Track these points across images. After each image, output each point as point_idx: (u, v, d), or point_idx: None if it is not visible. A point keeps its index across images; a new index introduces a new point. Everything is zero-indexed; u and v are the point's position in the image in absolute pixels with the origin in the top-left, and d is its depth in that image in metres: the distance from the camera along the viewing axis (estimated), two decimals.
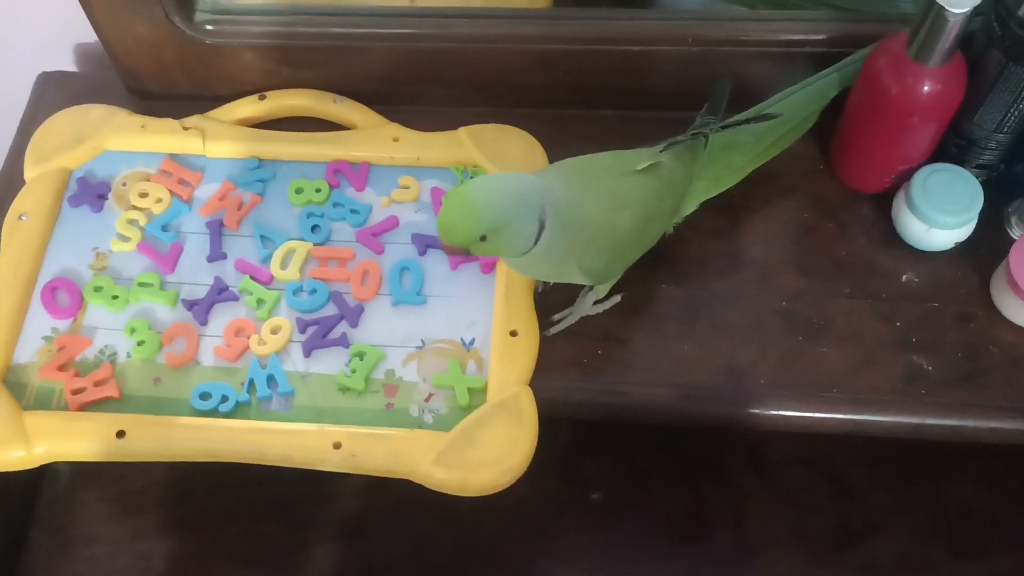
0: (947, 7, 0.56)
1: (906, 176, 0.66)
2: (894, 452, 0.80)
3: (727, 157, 0.65)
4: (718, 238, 0.68)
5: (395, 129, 0.70)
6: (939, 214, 0.64)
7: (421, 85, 0.72)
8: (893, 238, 0.67)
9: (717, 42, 0.69)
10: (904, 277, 0.66)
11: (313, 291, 0.64)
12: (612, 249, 0.58)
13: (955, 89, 0.61)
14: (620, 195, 0.59)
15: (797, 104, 0.67)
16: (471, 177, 0.68)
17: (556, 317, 0.64)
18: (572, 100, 0.72)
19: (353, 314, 0.63)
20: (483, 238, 0.53)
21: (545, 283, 0.65)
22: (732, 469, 0.80)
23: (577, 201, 0.57)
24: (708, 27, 0.69)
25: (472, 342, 0.62)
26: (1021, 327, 0.64)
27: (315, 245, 0.66)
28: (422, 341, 0.62)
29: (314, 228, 0.66)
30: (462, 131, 0.69)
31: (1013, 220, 0.67)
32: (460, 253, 0.55)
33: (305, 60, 0.71)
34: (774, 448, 0.80)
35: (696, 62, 0.70)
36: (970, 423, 0.62)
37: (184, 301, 0.63)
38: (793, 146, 0.69)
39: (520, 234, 0.54)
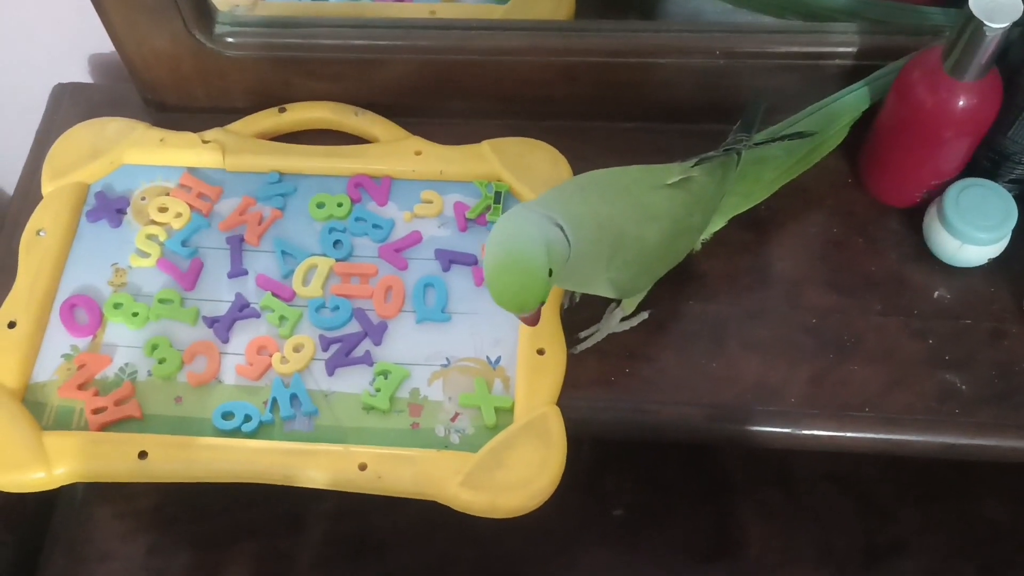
0: (986, 21, 0.55)
1: (938, 191, 0.65)
2: (921, 469, 0.78)
3: (757, 172, 0.64)
4: (746, 253, 0.67)
5: (417, 142, 0.69)
6: (972, 230, 0.63)
7: (443, 97, 0.71)
8: (924, 253, 0.66)
9: (745, 55, 0.68)
10: (936, 293, 0.65)
11: (336, 308, 0.63)
12: (639, 261, 0.57)
13: (991, 104, 0.60)
14: (648, 207, 0.57)
15: (827, 118, 0.66)
16: (494, 191, 0.67)
17: (583, 334, 0.63)
18: (596, 112, 0.71)
19: (376, 331, 0.62)
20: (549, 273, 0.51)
21: (572, 298, 0.64)
22: (756, 486, 0.79)
23: (602, 211, 0.55)
24: (735, 39, 0.68)
25: (498, 360, 0.61)
26: None
27: (337, 261, 0.65)
28: (447, 359, 0.61)
29: (336, 243, 0.65)
30: (485, 144, 0.68)
31: None
32: (537, 312, 0.53)
33: (325, 72, 0.70)
34: (799, 464, 0.79)
35: (723, 74, 0.69)
36: (1005, 443, 0.61)
37: (205, 318, 0.62)
38: (821, 159, 0.68)
39: (562, 254, 0.52)
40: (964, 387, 0.62)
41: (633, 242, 0.56)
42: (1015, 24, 0.55)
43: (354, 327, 0.62)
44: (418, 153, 0.68)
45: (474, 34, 0.69)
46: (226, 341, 0.62)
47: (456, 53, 0.69)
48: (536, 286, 0.51)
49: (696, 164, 0.60)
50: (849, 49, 0.67)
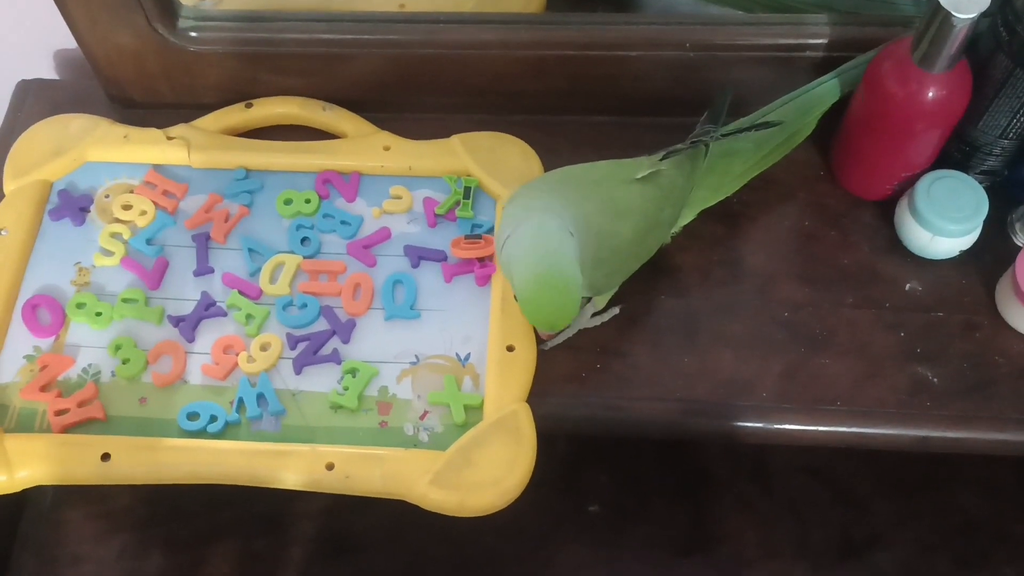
0: (954, 12, 0.55)
1: (909, 183, 0.65)
2: (897, 461, 0.78)
3: (726, 165, 0.64)
4: (718, 247, 0.66)
5: (386, 137, 0.68)
6: (944, 222, 0.62)
7: (412, 92, 0.70)
8: (896, 246, 0.66)
9: (715, 47, 0.67)
10: (908, 286, 0.65)
11: (303, 306, 0.62)
12: (612, 259, 0.57)
13: (960, 95, 0.60)
14: (620, 203, 0.57)
15: (797, 110, 0.65)
16: (464, 186, 0.66)
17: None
18: (567, 106, 0.71)
19: (345, 329, 0.61)
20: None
21: None
22: (732, 480, 0.79)
23: (578, 208, 0.55)
24: (706, 31, 0.67)
25: (468, 357, 0.60)
26: None
27: (305, 258, 0.64)
28: (416, 357, 0.60)
29: (304, 240, 0.65)
30: (455, 139, 0.68)
31: (1017, 227, 0.66)
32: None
33: (293, 67, 0.69)
34: (775, 458, 0.79)
35: (693, 67, 0.68)
36: (977, 435, 0.61)
37: (170, 317, 0.62)
38: (792, 152, 0.67)
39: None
40: (936, 380, 0.62)
41: (607, 239, 0.56)
42: (983, 15, 0.55)
43: (322, 325, 0.62)
44: (387, 148, 0.67)
45: (443, 27, 0.68)
46: (192, 340, 0.61)
47: (425, 47, 0.68)
48: (574, 305, 0.52)
49: (664, 157, 0.60)
50: (819, 41, 0.66)
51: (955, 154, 0.65)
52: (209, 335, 0.61)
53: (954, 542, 0.76)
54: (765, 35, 0.67)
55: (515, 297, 0.53)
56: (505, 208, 0.57)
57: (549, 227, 0.53)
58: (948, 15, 0.55)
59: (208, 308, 0.62)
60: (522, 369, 0.59)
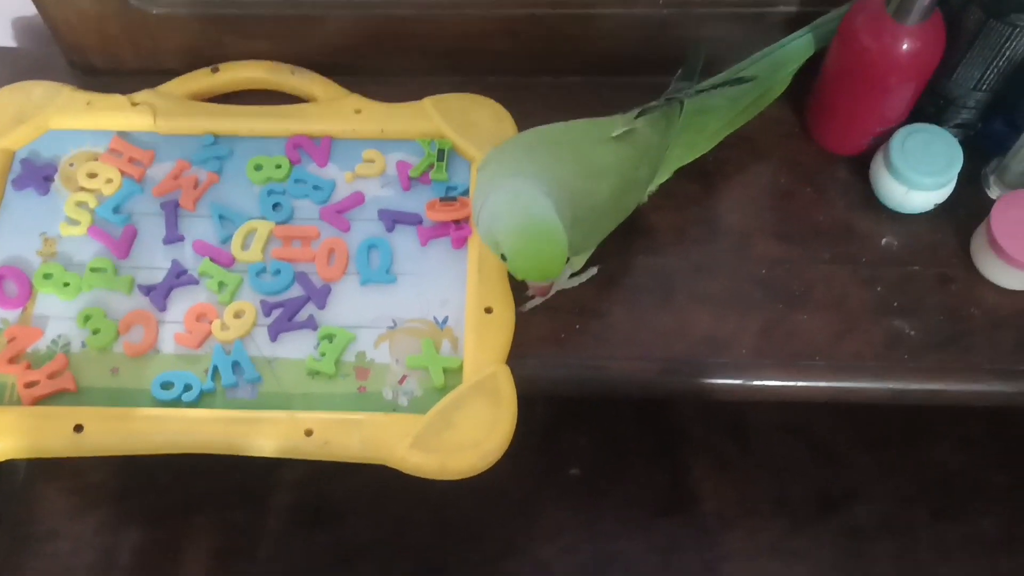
0: None
1: (884, 137, 0.65)
2: (874, 416, 0.79)
3: (701, 122, 0.63)
4: (694, 205, 0.66)
5: (357, 100, 0.67)
6: (918, 175, 0.62)
7: (383, 54, 0.69)
8: (871, 201, 0.66)
9: (688, 3, 0.66)
10: (883, 240, 0.65)
11: (277, 272, 0.61)
12: (590, 219, 0.56)
13: (934, 47, 0.60)
14: (595, 163, 0.56)
15: (772, 66, 0.65)
16: (437, 149, 0.65)
17: (531, 291, 0.62)
18: (540, 67, 0.70)
19: (320, 295, 0.60)
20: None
21: None
22: (711, 439, 0.79)
23: (556, 171, 0.54)
24: None
25: (445, 321, 0.60)
26: (1002, 288, 0.63)
27: (277, 224, 0.63)
28: (393, 321, 0.60)
29: (275, 206, 0.63)
30: (427, 101, 0.67)
31: (991, 180, 0.66)
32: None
33: (259, 30, 0.67)
34: (754, 416, 0.80)
35: (666, 25, 0.67)
36: (953, 387, 0.61)
37: (140, 287, 0.60)
38: (767, 109, 0.67)
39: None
40: (913, 333, 0.62)
41: (584, 199, 0.55)
42: None
43: (296, 291, 0.61)
44: (358, 111, 0.66)
45: None
46: (163, 309, 0.60)
47: (394, 7, 0.67)
48: (563, 251, 0.52)
49: (639, 115, 0.59)
50: None
51: (929, 108, 0.65)
52: (181, 304, 0.60)
53: (931, 494, 0.77)
54: None
55: (502, 257, 0.52)
56: (479, 174, 0.56)
57: (523, 190, 0.52)
58: None
59: (179, 276, 0.61)
60: (501, 331, 0.59)
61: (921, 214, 0.65)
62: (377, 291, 0.61)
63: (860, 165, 0.67)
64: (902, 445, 0.78)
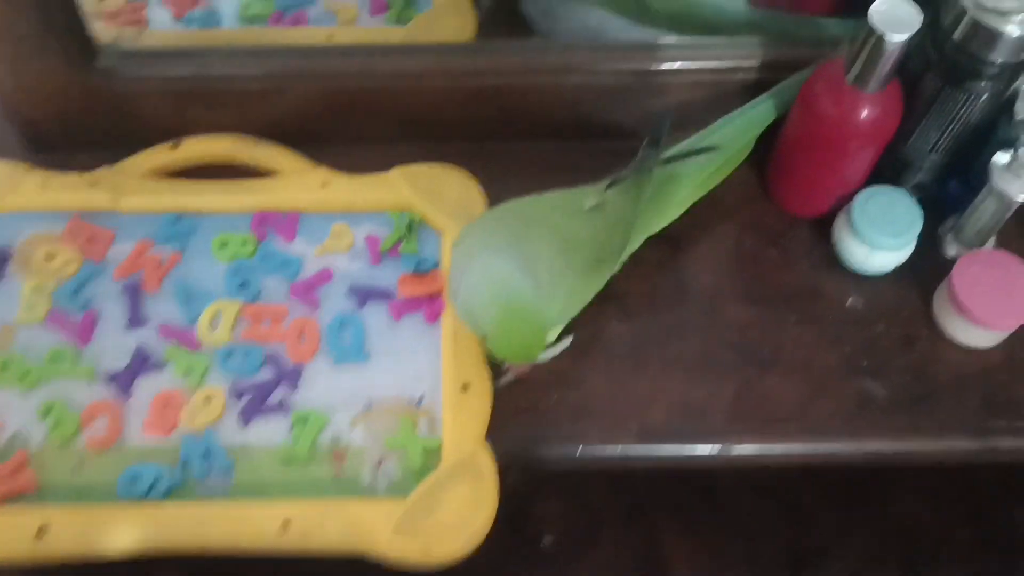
0: (887, 33, 0.56)
1: (845, 199, 0.66)
2: (839, 473, 0.80)
3: (670, 190, 0.64)
4: (663, 270, 0.66)
5: (324, 173, 0.66)
6: (881, 236, 0.63)
7: (348, 124, 0.68)
8: (835, 262, 0.67)
9: (649, 73, 0.67)
10: (848, 301, 0.66)
11: (246, 354, 0.59)
12: (565, 293, 0.56)
13: (893, 113, 0.61)
14: (570, 236, 0.56)
15: (735, 133, 0.66)
16: (408, 222, 0.64)
17: (507, 365, 0.61)
18: (506, 133, 0.70)
19: (291, 376, 0.59)
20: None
21: None
22: (683, 501, 0.79)
23: (528, 246, 0.54)
24: (639, 56, 0.67)
25: (421, 399, 0.59)
26: (964, 346, 0.64)
27: (245, 303, 0.61)
28: (368, 401, 0.59)
29: (243, 285, 0.62)
30: (395, 172, 0.66)
31: (948, 239, 0.68)
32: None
33: (222, 102, 0.66)
34: (724, 477, 0.80)
35: (628, 91, 0.68)
36: (925, 446, 0.62)
37: (103, 374, 0.58)
38: (731, 173, 0.68)
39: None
40: (881, 393, 0.63)
41: (560, 273, 0.55)
42: (913, 35, 0.56)
43: (267, 373, 0.59)
44: (325, 184, 0.65)
45: (375, 59, 0.66)
46: (128, 398, 0.58)
47: (358, 78, 0.66)
48: (542, 337, 0.52)
49: (609, 186, 0.59)
50: (752, 63, 0.67)
51: (887, 170, 0.66)
52: (147, 391, 0.58)
53: (900, 549, 0.77)
54: (698, 58, 0.68)
55: (484, 339, 0.52)
56: (453, 250, 0.55)
57: (502, 268, 0.52)
58: (881, 37, 0.56)
59: (144, 362, 0.59)
60: (478, 408, 0.58)
61: (883, 275, 0.66)
62: (350, 370, 0.60)
63: (822, 225, 0.68)
64: (870, 501, 0.79)
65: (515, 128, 0.70)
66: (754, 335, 0.64)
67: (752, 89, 0.68)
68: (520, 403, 0.60)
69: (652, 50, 0.68)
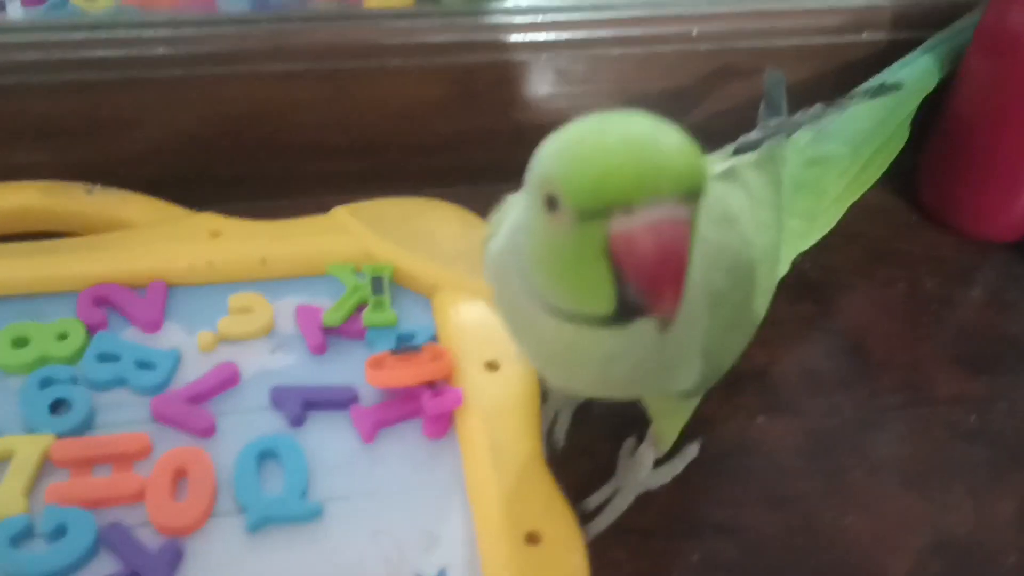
0: None
1: None
2: None
3: (817, 178, 0.38)
4: (815, 332, 0.40)
5: (210, 220, 0.38)
6: None
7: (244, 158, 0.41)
8: None
9: (728, 36, 0.44)
10: None
11: (59, 531, 0.28)
12: (736, 305, 0.29)
13: None
14: (713, 207, 0.28)
15: (918, 73, 0.43)
16: (368, 279, 0.36)
17: (592, 499, 0.31)
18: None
19: (158, 566, 0.27)
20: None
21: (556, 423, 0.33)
22: None
23: None
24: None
25: (442, 574, 0.27)
26: None
27: (59, 436, 0.30)
28: None
29: (56, 406, 0.31)
30: (340, 211, 0.38)
31: None
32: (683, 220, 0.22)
33: (41, 132, 0.39)
34: None
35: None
36: None
37: None
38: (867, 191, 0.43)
39: None
40: None
41: (716, 257, 0.27)
42: None
43: (105, 565, 0.27)
44: (215, 235, 0.37)
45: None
46: None
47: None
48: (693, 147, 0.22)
49: (735, 152, 0.34)
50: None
51: None
52: None
53: None
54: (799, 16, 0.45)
55: (551, 203, 0.22)
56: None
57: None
58: None
59: None
60: (564, 571, 0.27)
61: None
62: (285, 540, 0.28)
63: None
64: None
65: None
66: (999, 416, 0.37)
67: (881, 56, 0.45)
68: (625, 569, 0.29)
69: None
